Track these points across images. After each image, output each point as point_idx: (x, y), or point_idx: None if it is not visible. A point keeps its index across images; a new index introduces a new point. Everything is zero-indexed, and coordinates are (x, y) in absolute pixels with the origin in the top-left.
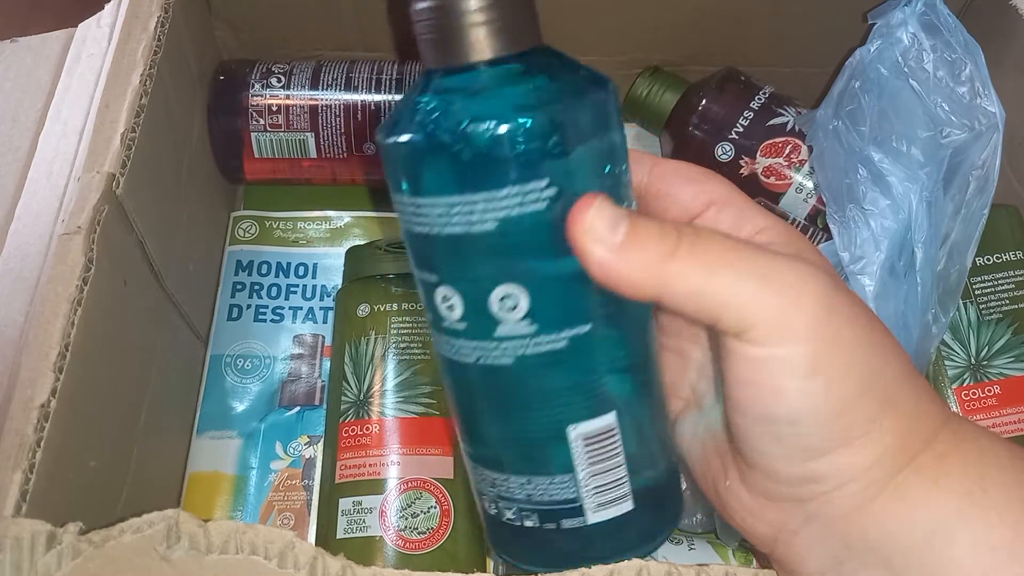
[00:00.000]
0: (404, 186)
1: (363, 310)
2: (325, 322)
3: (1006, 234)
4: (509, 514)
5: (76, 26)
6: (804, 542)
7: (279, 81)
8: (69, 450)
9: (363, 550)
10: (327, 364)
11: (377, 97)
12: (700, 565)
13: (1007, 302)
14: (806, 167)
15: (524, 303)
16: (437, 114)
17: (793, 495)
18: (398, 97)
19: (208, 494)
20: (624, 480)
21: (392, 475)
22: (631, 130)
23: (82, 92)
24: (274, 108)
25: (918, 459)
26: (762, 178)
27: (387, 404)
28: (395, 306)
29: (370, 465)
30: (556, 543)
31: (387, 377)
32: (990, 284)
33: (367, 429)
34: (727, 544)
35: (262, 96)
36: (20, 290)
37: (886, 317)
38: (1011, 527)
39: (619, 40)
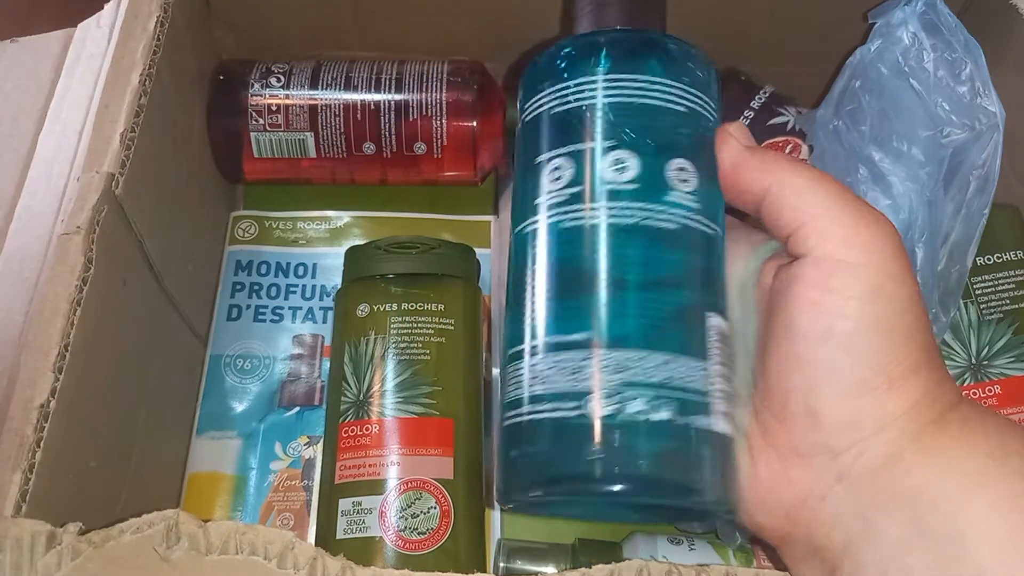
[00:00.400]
0: (605, 65)
1: (363, 310)
2: (325, 322)
3: (1006, 234)
4: (637, 405)
5: (76, 26)
6: (832, 507)
7: (278, 81)
8: (69, 450)
9: (363, 550)
10: (327, 364)
11: (376, 97)
12: (700, 565)
13: (1007, 302)
14: None
15: (694, 180)
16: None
17: (830, 444)
18: (398, 97)
19: (208, 494)
20: (731, 398)
21: (392, 475)
22: None
23: (82, 92)
24: (273, 108)
25: (945, 417)
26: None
27: (387, 404)
28: (395, 306)
29: (370, 465)
30: (677, 445)
31: (387, 377)
32: (990, 284)
33: (367, 429)
34: (727, 544)
35: (261, 96)
36: (20, 290)
37: None
38: None
39: None
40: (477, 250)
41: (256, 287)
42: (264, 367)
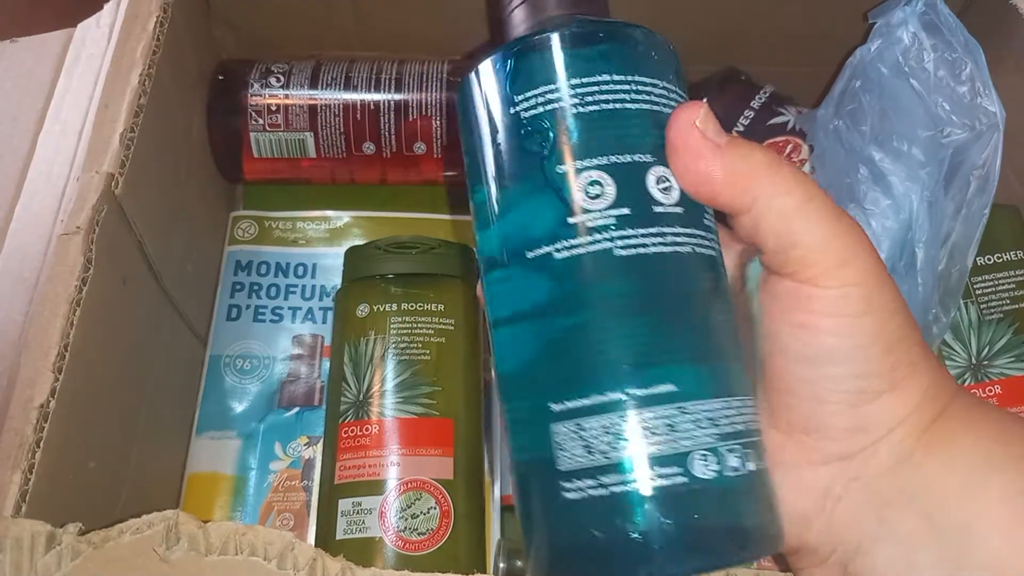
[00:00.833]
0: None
1: (362, 310)
2: (324, 322)
3: (1007, 234)
4: (733, 460)
5: (75, 26)
6: (846, 508)
7: (278, 81)
8: (68, 450)
9: (363, 551)
10: (326, 364)
11: (376, 96)
12: None
13: (1008, 302)
14: (807, 167)
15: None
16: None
17: (841, 451)
18: (398, 97)
19: (207, 495)
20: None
21: (392, 476)
22: None
23: (81, 92)
24: (273, 108)
25: (949, 408)
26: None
27: (387, 405)
28: (394, 306)
29: (370, 466)
30: (740, 500)
31: (386, 377)
32: (991, 284)
33: (366, 430)
34: None
35: (261, 96)
36: (20, 290)
37: None
38: None
39: None
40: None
41: (256, 287)
42: (264, 367)
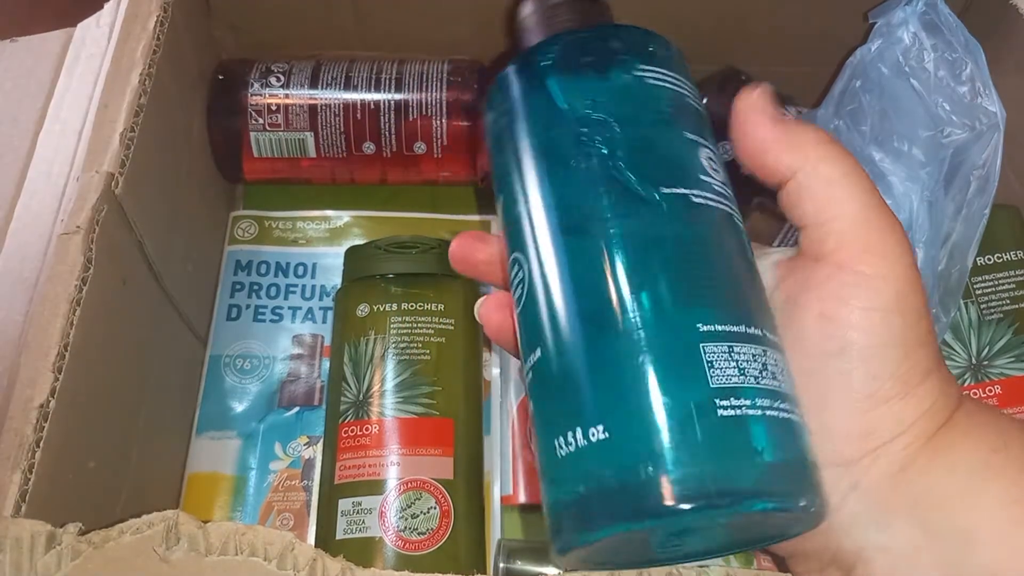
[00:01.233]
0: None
1: (362, 310)
2: (324, 322)
3: (1007, 234)
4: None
5: (75, 26)
6: (847, 515)
7: (278, 80)
8: (68, 450)
9: (363, 551)
10: (326, 364)
11: (376, 96)
12: (700, 566)
13: (1008, 302)
14: None
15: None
16: None
17: (843, 456)
18: (398, 96)
19: (207, 495)
20: None
21: (392, 476)
22: None
23: (81, 92)
24: (273, 107)
25: (953, 416)
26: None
27: (387, 404)
28: (394, 306)
29: (370, 466)
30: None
31: (386, 377)
32: (991, 284)
33: (366, 429)
34: None
35: (261, 95)
36: (20, 290)
37: None
38: None
39: None
40: None
41: (256, 287)
42: (264, 367)
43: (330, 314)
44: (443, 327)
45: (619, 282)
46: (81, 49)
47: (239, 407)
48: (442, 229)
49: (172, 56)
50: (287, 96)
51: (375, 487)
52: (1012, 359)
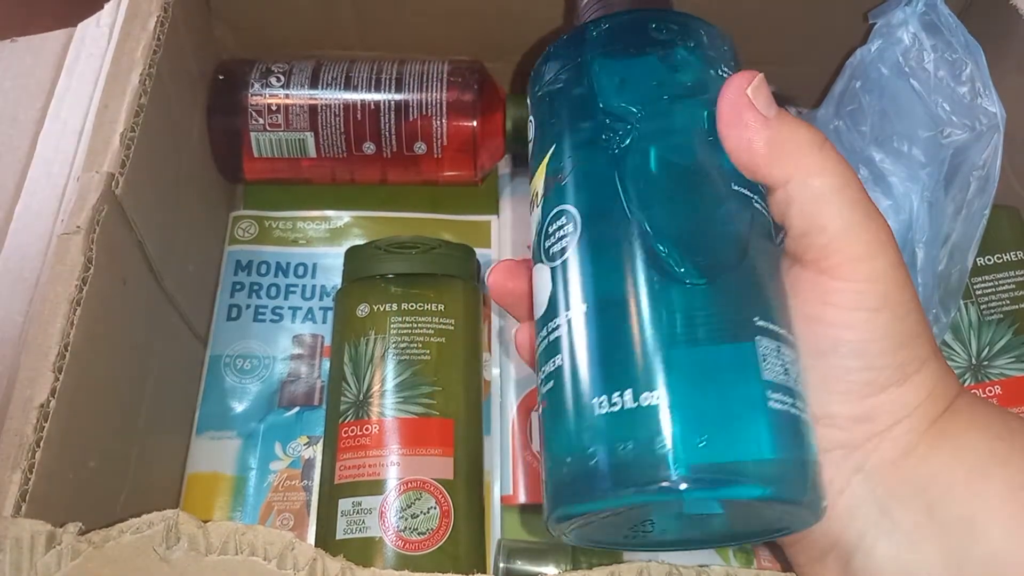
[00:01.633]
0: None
1: (362, 310)
2: (324, 322)
3: (1007, 234)
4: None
5: (76, 26)
6: (849, 500)
7: (278, 80)
8: (68, 450)
9: (363, 551)
10: (326, 364)
11: (376, 96)
12: (701, 566)
13: (1008, 302)
14: None
15: None
16: None
17: (846, 440)
18: (398, 97)
19: (207, 495)
20: None
21: (392, 476)
22: None
23: (81, 92)
24: (273, 108)
25: (955, 403)
26: None
27: (387, 404)
28: (394, 306)
29: (370, 466)
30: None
31: (387, 377)
32: (991, 284)
33: (367, 429)
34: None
35: (261, 96)
36: (20, 290)
37: None
38: None
39: None
40: (477, 250)
41: (256, 287)
42: (264, 367)
43: (330, 314)
44: (443, 327)
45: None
46: (81, 49)
47: (239, 407)
48: (442, 229)
49: (172, 56)
50: (287, 96)
51: (375, 487)
52: (1012, 359)
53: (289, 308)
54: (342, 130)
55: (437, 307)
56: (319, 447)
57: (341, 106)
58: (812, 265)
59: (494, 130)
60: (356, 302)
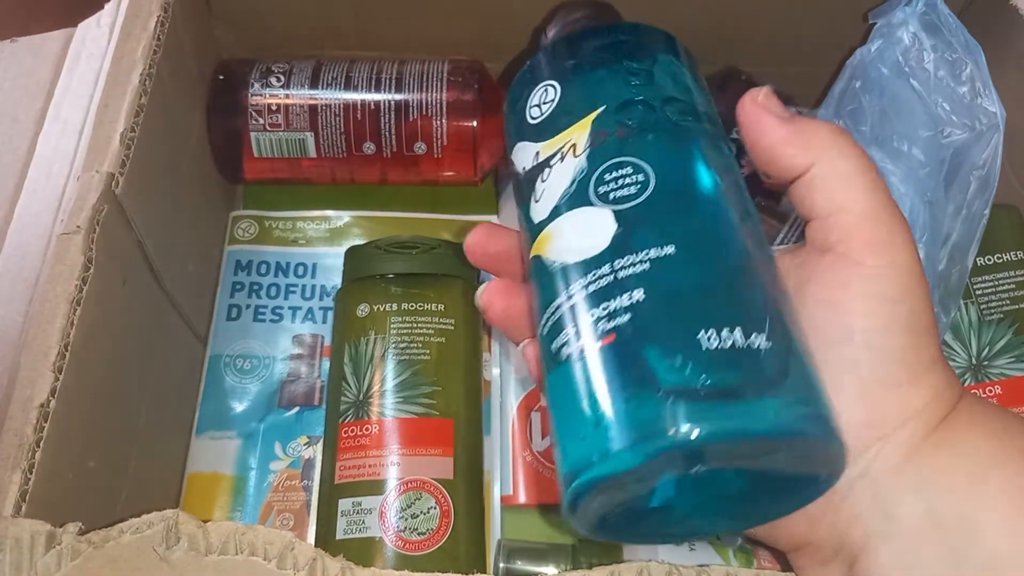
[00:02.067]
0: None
1: (362, 310)
2: (324, 322)
3: (1007, 234)
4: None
5: (76, 26)
6: (853, 505)
7: (278, 80)
8: (68, 450)
9: (363, 551)
10: (326, 364)
11: (377, 96)
12: (701, 566)
13: (1008, 302)
14: None
15: None
16: None
17: (852, 444)
18: (398, 97)
19: (207, 495)
20: None
21: (392, 476)
22: None
23: (82, 92)
24: (273, 107)
25: (958, 406)
26: (763, 178)
27: (387, 404)
28: (394, 306)
29: (370, 466)
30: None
31: (387, 377)
32: (991, 284)
33: (367, 429)
34: (727, 545)
35: (262, 95)
36: (19, 290)
37: None
38: None
39: None
40: None
41: (256, 287)
42: (264, 367)
43: (330, 314)
44: (443, 327)
45: None
46: (81, 49)
47: (239, 407)
48: (442, 229)
49: (172, 56)
50: (287, 96)
51: (375, 487)
52: (1012, 359)
53: (289, 308)
54: (342, 130)
55: (437, 307)
56: (319, 447)
57: (341, 106)
58: (835, 247)
59: (494, 130)
60: (356, 302)
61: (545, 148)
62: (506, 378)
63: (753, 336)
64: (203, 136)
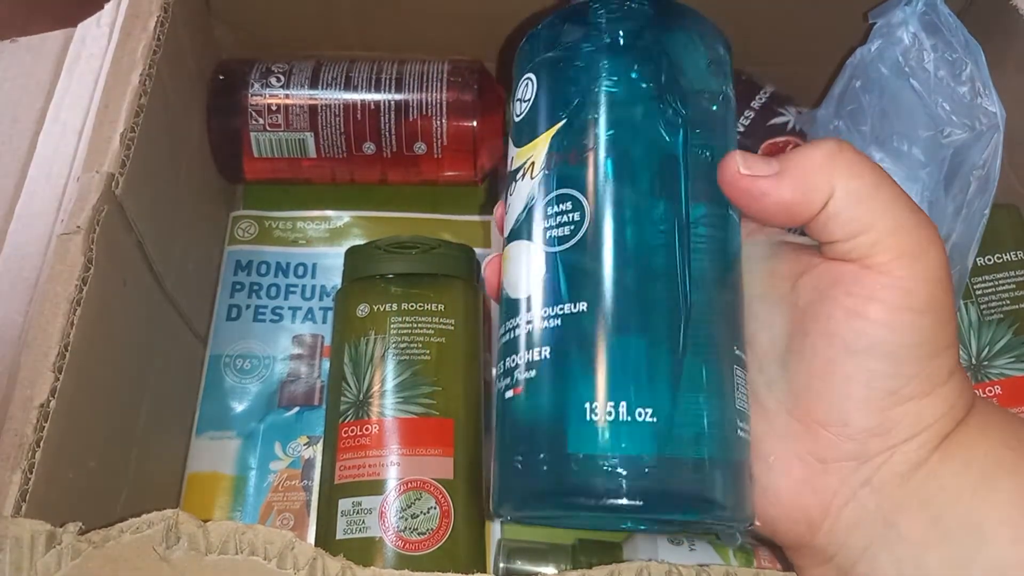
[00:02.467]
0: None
1: (362, 310)
2: (324, 322)
3: (1007, 234)
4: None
5: (76, 26)
6: (854, 512)
7: (278, 80)
8: (68, 450)
9: (363, 551)
10: (326, 364)
11: (376, 96)
12: (701, 566)
13: (1008, 302)
14: None
15: None
16: None
17: (857, 451)
18: (398, 97)
19: (207, 494)
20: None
21: (392, 476)
22: None
23: (81, 92)
24: (273, 108)
25: (969, 413)
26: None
27: (386, 404)
28: (394, 306)
29: (370, 466)
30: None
31: (386, 377)
32: (991, 284)
33: (366, 429)
34: (727, 544)
35: (261, 96)
36: (19, 290)
37: None
38: None
39: None
40: (477, 250)
41: (256, 287)
42: (264, 367)
43: (330, 314)
44: (443, 327)
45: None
46: (81, 49)
47: (239, 407)
48: (442, 229)
49: (172, 56)
50: (287, 96)
51: (375, 487)
52: (1012, 359)
53: (289, 308)
54: (342, 130)
55: (437, 307)
56: (319, 447)
57: (341, 106)
58: (861, 261)
59: (494, 130)
60: (356, 302)
61: (517, 157)
62: None
63: (639, 411)
64: (203, 136)
